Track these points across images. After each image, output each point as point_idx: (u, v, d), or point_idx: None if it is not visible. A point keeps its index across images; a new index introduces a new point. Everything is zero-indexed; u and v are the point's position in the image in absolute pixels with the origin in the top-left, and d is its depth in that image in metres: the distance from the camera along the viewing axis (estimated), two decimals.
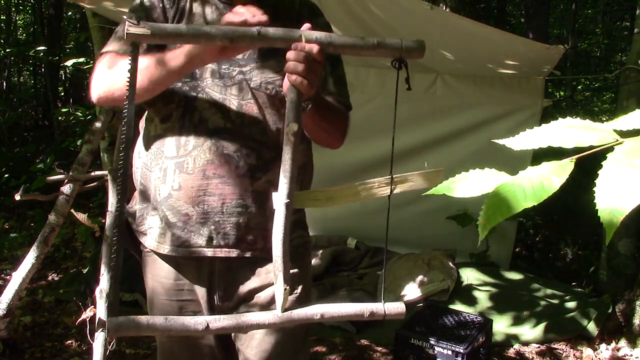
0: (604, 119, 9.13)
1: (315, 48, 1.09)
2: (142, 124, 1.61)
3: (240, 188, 1.44)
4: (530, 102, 3.97)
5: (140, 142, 1.59)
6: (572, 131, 0.65)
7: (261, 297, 1.53)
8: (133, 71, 1.05)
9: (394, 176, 1.11)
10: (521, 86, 3.99)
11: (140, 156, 1.56)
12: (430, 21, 3.39)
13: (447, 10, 4.95)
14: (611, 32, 10.17)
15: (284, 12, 1.51)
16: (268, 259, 1.49)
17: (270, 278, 1.51)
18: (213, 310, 1.54)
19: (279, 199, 1.08)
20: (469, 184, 0.68)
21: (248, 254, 1.50)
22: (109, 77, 1.37)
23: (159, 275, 1.57)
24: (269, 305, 1.50)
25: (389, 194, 1.11)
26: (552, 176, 0.61)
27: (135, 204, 1.60)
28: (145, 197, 1.53)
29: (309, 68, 1.11)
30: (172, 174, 1.45)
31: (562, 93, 9.40)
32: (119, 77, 1.30)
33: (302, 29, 1.13)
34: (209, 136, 1.42)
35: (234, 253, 1.48)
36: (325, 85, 1.52)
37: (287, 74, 1.12)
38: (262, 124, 1.46)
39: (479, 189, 0.67)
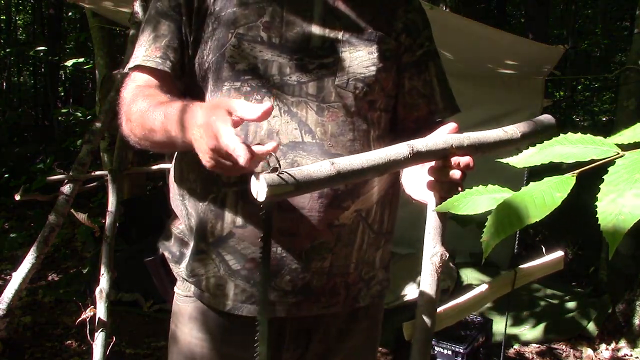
0: (604, 119, 9.13)
1: (471, 162, 0.88)
2: None
3: (322, 222, 1.10)
4: (530, 102, 3.97)
5: (181, 159, 1.21)
6: (573, 146, 0.66)
7: None
8: (266, 253, 0.86)
9: (517, 269, 1.09)
10: (521, 86, 4.00)
11: (183, 180, 1.19)
12: (430, 21, 3.38)
13: (447, 10, 4.95)
14: (611, 32, 10.17)
15: None
16: (349, 314, 1.24)
17: (350, 340, 1.26)
18: None
19: (421, 332, 0.95)
20: (473, 202, 0.69)
21: (329, 310, 1.18)
22: (143, 123, 1.06)
23: (200, 337, 1.20)
24: None
25: (512, 289, 1.09)
26: (554, 192, 0.61)
27: (173, 240, 1.27)
28: (192, 233, 1.19)
29: (462, 186, 0.89)
30: (234, 206, 1.11)
31: (562, 93, 9.40)
32: (155, 128, 1.03)
33: (446, 128, 0.92)
34: (281, 154, 1.06)
35: (313, 310, 1.16)
36: (433, 95, 1.25)
37: (438, 195, 0.91)
38: (349, 135, 1.12)
39: (482, 207, 0.67)
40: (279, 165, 0.77)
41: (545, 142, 0.68)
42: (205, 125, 0.87)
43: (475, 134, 0.90)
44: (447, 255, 0.91)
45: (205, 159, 0.89)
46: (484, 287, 1.05)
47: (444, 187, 0.89)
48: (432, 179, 0.91)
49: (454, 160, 0.87)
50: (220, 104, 0.90)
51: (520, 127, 0.93)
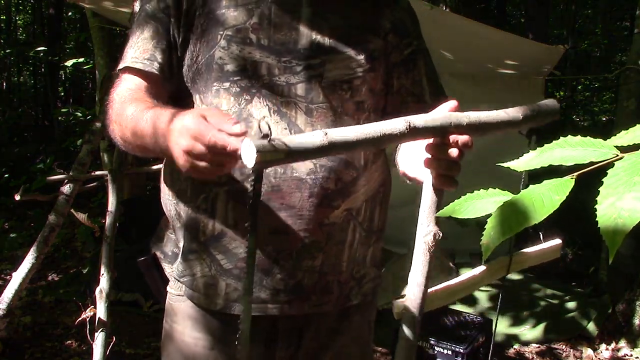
0: (604, 119, 9.13)
1: (470, 141, 0.86)
2: None
3: (314, 221, 1.11)
4: (530, 102, 3.93)
5: (172, 161, 1.16)
6: (572, 149, 0.66)
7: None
8: (253, 226, 0.82)
9: (512, 254, 1.07)
10: (521, 86, 4.00)
11: (174, 181, 1.20)
12: (430, 21, 3.38)
13: (447, 10, 4.95)
14: (611, 32, 10.17)
15: None
16: (340, 313, 1.25)
17: (341, 337, 1.27)
18: None
19: (410, 311, 0.92)
20: (474, 206, 0.70)
21: (320, 309, 1.19)
22: (129, 127, 1.06)
23: (194, 336, 1.21)
24: None
25: (506, 274, 1.06)
26: (553, 194, 0.61)
27: (166, 240, 1.28)
28: (182, 234, 1.19)
29: (460, 164, 0.89)
30: (224, 206, 1.12)
31: (562, 93, 9.39)
32: (143, 135, 1.02)
33: (446, 106, 0.89)
34: None
35: (304, 309, 1.17)
36: (422, 94, 1.25)
37: (435, 172, 0.89)
38: None
39: (483, 210, 0.68)
40: (270, 132, 0.75)
41: (545, 145, 0.69)
42: (180, 128, 0.89)
43: (476, 113, 0.87)
44: (441, 235, 0.88)
45: (182, 161, 0.89)
46: (478, 270, 1.04)
47: (442, 165, 0.88)
48: (429, 156, 0.89)
49: (453, 138, 0.85)
50: (192, 112, 0.91)
51: (522, 110, 0.91)
